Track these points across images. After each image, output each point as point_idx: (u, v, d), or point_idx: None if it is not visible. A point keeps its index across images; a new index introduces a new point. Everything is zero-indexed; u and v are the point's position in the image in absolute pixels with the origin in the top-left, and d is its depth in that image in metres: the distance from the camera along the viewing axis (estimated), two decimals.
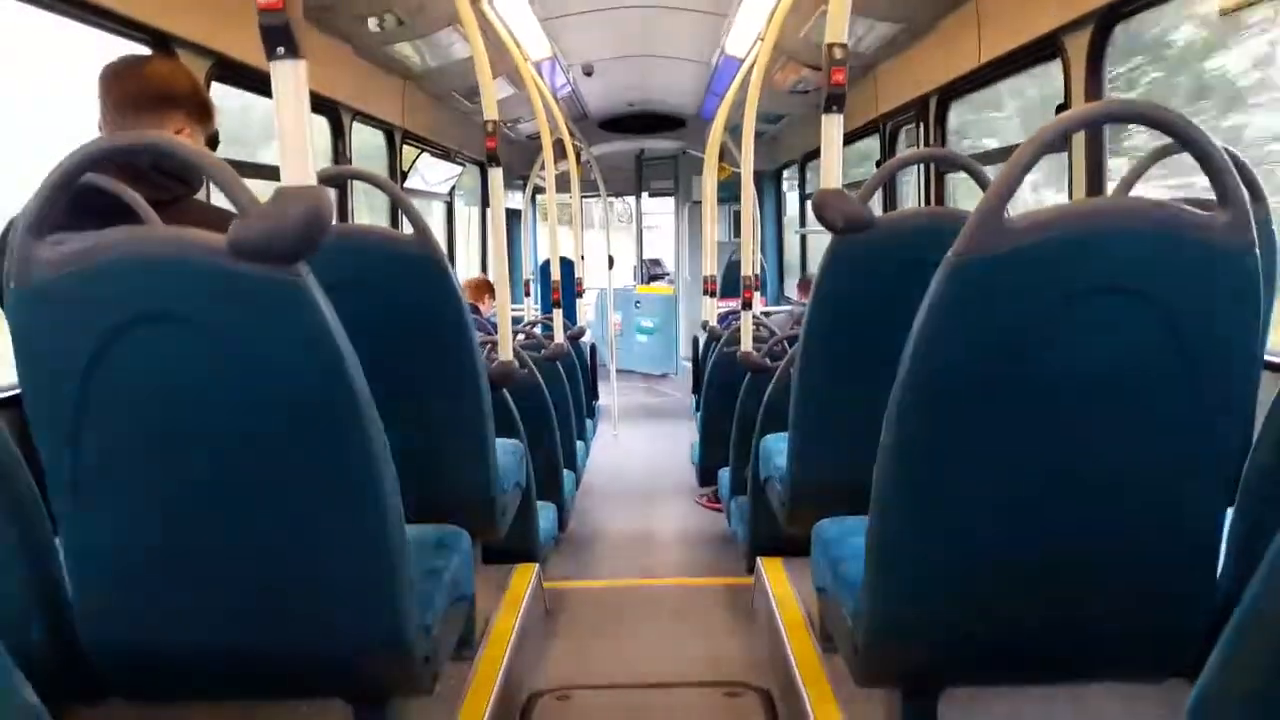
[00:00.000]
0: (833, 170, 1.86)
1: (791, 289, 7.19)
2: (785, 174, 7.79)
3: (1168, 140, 1.20)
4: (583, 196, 6.58)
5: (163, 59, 1.82)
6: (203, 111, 1.73)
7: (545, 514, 3.25)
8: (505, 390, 2.61)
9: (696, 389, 5.69)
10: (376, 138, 4.65)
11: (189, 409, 1.19)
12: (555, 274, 4.98)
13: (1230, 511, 1.28)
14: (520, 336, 4.14)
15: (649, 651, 2.73)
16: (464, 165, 5.98)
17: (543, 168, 4.64)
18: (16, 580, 1.24)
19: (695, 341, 6.55)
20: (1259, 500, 1.25)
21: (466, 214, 6.90)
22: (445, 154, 5.57)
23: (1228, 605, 1.25)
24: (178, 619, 1.29)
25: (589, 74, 5.70)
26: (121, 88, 1.65)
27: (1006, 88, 3.58)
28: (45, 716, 0.71)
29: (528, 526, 2.85)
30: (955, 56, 3.57)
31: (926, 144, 4.01)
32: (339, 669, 1.37)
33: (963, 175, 2.14)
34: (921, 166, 4.07)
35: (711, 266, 4.76)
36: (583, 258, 6.18)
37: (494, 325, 2.93)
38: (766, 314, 5.70)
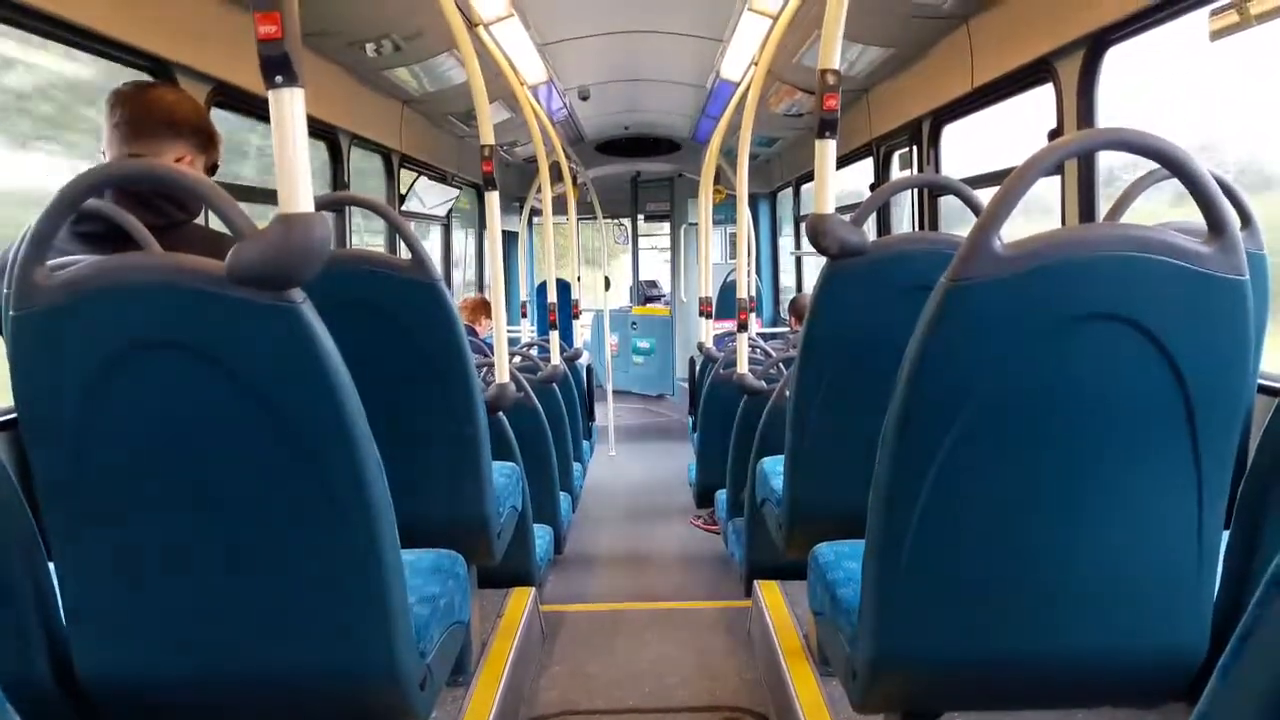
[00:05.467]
0: (826, 195, 1.87)
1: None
2: (779, 196, 7.84)
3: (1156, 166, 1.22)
4: (579, 219, 6.61)
5: (168, 86, 1.83)
6: (206, 140, 1.75)
7: (542, 537, 3.24)
8: (501, 413, 2.62)
9: (693, 410, 5.69)
10: (375, 161, 4.68)
11: (186, 434, 1.19)
12: (552, 296, 5.00)
13: (1225, 535, 1.28)
14: (516, 359, 4.15)
15: (646, 675, 2.72)
16: (461, 188, 6.01)
17: (539, 191, 4.67)
18: (11, 607, 1.24)
19: (692, 363, 6.55)
20: (1253, 524, 1.25)
21: (463, 236, 6.92)
22: (442, 177, 5.60)
23: (1224, 629, 1.25)
24: (173, 647, 1.29)
25: (585, 98, 5.74)
26: (125, 113, 1.66)
27: None
28: None
29: (524, 550, 2.84)
30: (948, 81, 3.61)
31: (920, 168, 4.04)
32: (334, 695, 1.36)
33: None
34: (915, 190, 4.10)
35: (707, 288, 4.78)
36: (579, 279, 6.19)
37: (490, 347, 2.93)
38: (764, 336, 5.72)
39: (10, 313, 1.16)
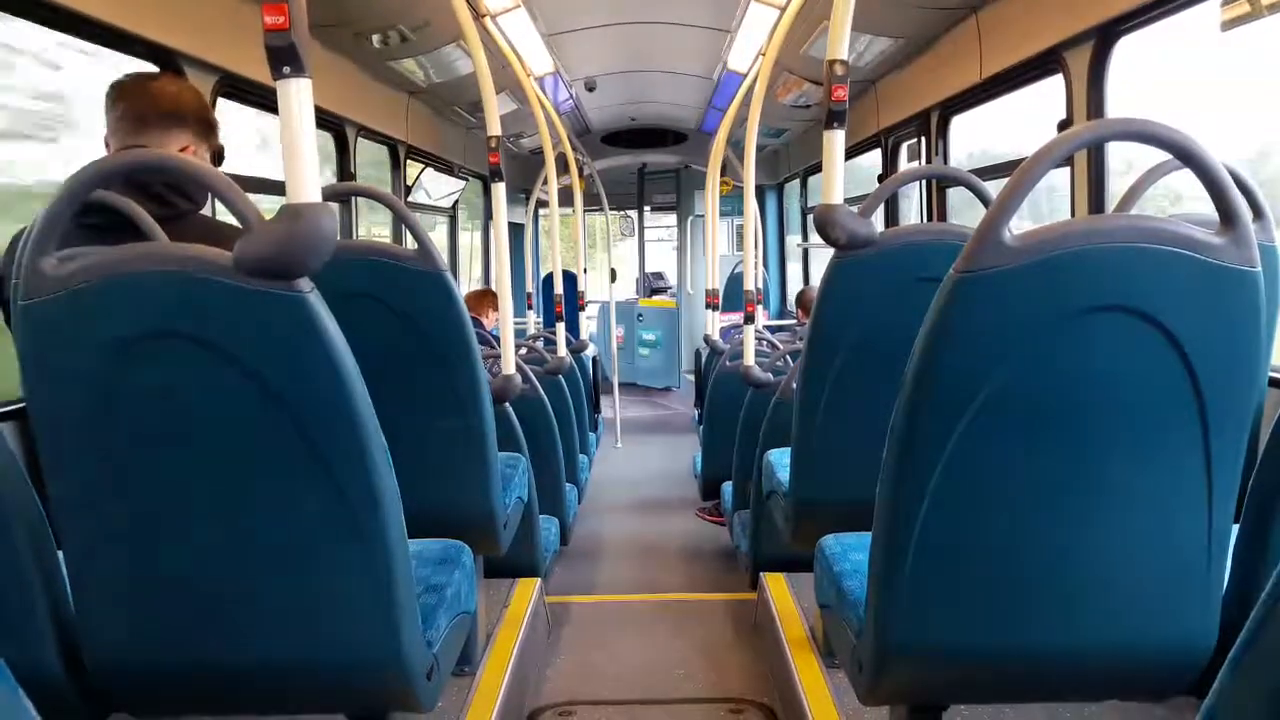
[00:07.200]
0: (834, 186, 1.86)
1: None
2: (787, 188, 7.82)
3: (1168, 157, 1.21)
4: (585, 210, 6.60)
5: (170, 77, 1.83)
6: (208, 128, 1.75)
7: (548, 528, 3.25)
8: (507, 404, 2.62)
9: (699, 402, 5.69)
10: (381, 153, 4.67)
11: (193, 424, 1.19)
12: (558, 287, 4.99)
13: (1235, 529, 1.28)
14: (522, 350, 4.15)
15: (652, 667, 2.72)
16: (467, 180, 6.00)
17: (545, 182, 4.66)
18: (20, 596, 1.24)
19: (697, 355, 6.55)
20: (1263, 518, 1.25)
21: (469, 228, 6.92)
22: (448, 169, 5.59)
23: (1233, 623, 1.25)
24: (181, 635, 1.29)
25: (591, 89, 5.72)
26: (128, 104, 1.66)
27: None
28: None
29: (530, 541, 2.85)
30: (956, 71, 3.59)
31: (928, 159, 4.02)
32: (341, 684, 1.37)
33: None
34: (923, 181, 4.08)
35: (714, 280, 4.77)
36: (585, 271, 6.19)
37: (496, 338, 2.94)
38: (770, 329, 5.71)
39: (18, 302, 1.16)
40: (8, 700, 0.68)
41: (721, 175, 5.20)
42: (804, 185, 7.02)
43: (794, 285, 7.76)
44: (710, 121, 6.67)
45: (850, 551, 1.60)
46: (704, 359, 5.54)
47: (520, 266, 8.04)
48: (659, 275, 10.28)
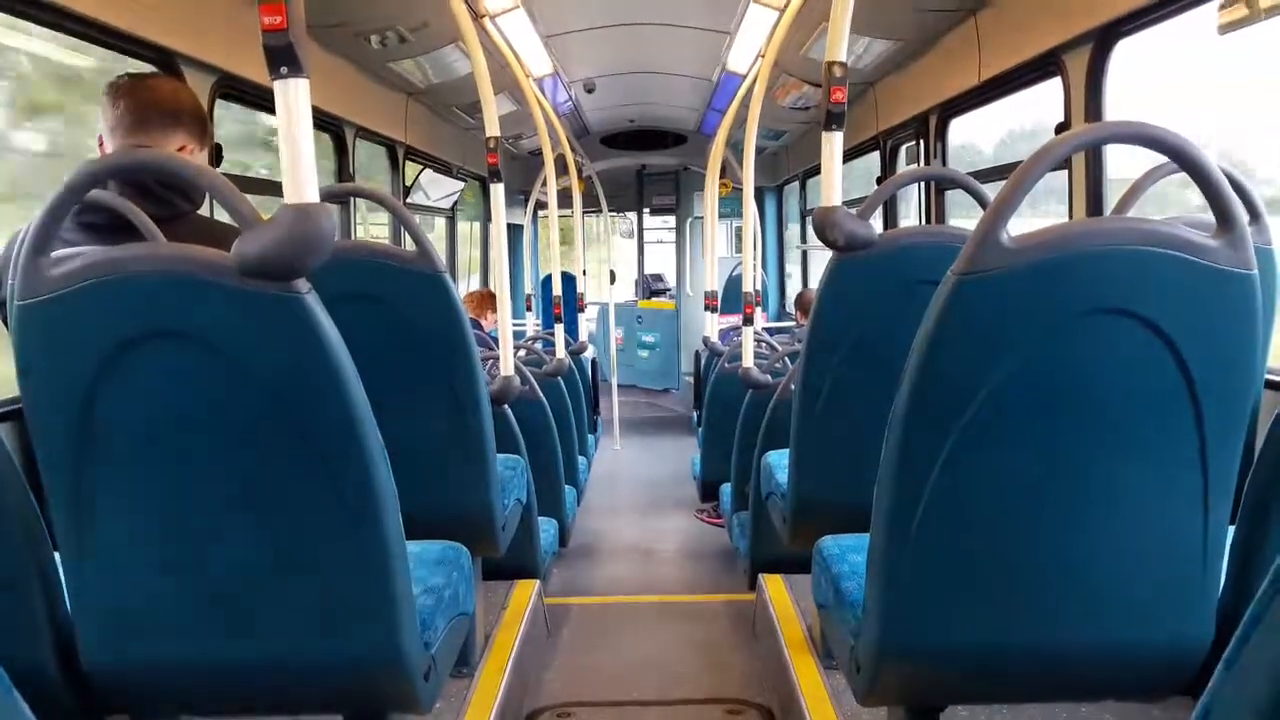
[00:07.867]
0: (833, 188, 1.87)
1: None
2: (786, 190, 7.82)
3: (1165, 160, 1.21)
4: (584, 212, 6.60)
5: (165, 77, 1.84)
6: (204, 128, 1.76)
7: (546, 529, 3.25)
8: (506, 406, 2.62)
9: (698, 404, 5.69)
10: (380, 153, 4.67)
11: (191, 424, 1.19)
12: (557, 289, 4.99)
13: (1230, 530, 1.28)
14: (521, 352, 4.15)
15: (650, 668, 2.73)
16: (466, 181, 6.00)
17: (544, 183, 4.66)
18: (17, 598, 1.24)
19: (696, 356, 6.55)
20: (1259, 519, 1.25)
21: (468, 229, 6.92)
22: (447, 170, 5.60)
23: (1229, 623, 1.25)
24: (178, 636, 1.29)
25: (590, 90, 5.73)
26: (125, 105, 1.66)
27: None
28: None
29: (529, 542, 2.85)
30: (955, 74, 3.59)
31: (927, 161, 4.02)
32: (338, 686, 1.37)
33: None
34: (921, 183, 4.09)
35: (713, 282, 4.78)
36: (584, 272, 6.19)
37: (495, 340, 2.94)
38: (769, 330, 5.71)
39: (15, 303, 1.16)
40: (3, 701, 0.68)
41: (721, 177, 5.20)
42: (803, 187, 7.02)
43: (793, 287, 7.76)
44: (709, 123, 6.68)
45: (848, 553, 1.60)
46: (703, 361, 5.54)
47: (519, 268, 8.05)
48: (658, 277, 10.28)
